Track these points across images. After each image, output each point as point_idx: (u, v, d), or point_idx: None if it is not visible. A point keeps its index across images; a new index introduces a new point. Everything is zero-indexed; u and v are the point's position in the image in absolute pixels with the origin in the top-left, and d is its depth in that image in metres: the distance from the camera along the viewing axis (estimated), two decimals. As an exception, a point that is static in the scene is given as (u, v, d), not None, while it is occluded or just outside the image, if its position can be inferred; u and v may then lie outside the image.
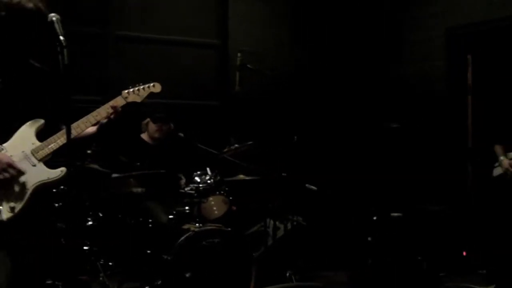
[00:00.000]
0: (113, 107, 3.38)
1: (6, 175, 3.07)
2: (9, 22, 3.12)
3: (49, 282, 4.71)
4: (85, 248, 5.10)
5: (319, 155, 7.07)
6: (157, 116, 5.65)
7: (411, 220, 5.99)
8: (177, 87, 6.57)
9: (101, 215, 5.27)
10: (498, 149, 5.35)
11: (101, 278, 5.00)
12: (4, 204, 3.06)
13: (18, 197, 3.10)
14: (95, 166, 5.16)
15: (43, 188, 3.20)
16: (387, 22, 7.67)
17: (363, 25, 7.72)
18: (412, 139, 7.00)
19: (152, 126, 5.71)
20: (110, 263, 5.19)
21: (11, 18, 3.11)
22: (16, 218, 3.07)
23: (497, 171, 5.34)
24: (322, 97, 7.46)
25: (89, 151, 4.99)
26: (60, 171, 3.23)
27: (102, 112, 3.42)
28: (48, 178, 3.20)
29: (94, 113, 3.40)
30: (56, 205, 4.92)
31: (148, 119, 5.72)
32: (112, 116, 3.39)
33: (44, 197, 3.27)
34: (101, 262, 5.08)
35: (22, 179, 3.14)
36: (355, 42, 7.69)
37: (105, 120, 3.39)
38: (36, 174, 3.18)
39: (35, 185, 3.16)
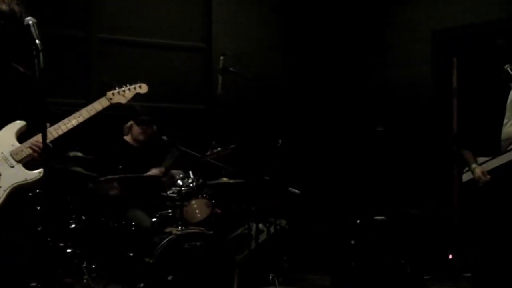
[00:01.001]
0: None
1: None
2: None
3: (33, 284, 4.69)
4: (68, 250, 5.09)
5: (302, 158, 7.07)
6: (141, 119, 5.65)
7: (395, 223, 6.00)
8: (161, 90, 6.57)
9: (84, 218, 5.26)
10: (467, 155, 5.33)
11: (85, 281, 4.99)
12: None
13: None
14: (78, 169, 5.16)
15: (21, 189, 3.20)
16: (372, 25, 7.69)
17: (348, 29, 7.73)
18: (397, 142, 7.02)
19: (136, 129, 5.71)
20: (94, 266, 5.18)
21: None
22: None
23: (466, 177, 5.33)
24: (307, 100, 7.47)
25: (71, 154, 4.98)
26: (38, 173, 3.24)
27: (84, 114, 3.42)
28: (26, 180, 3.21)
29: (76, 115, 3.41)
30: (38, 208, 4.90)
31: (131, 122, 5.72)
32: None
33: (22, 199, 3.27)
34: (84, 265, 5.07)
35: None
36: (340, 45, 7.70)
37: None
38: (14, 175, 3.19)
39: (12, 186, 3.17)
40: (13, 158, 3.21)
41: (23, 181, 3.20)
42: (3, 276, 3.13)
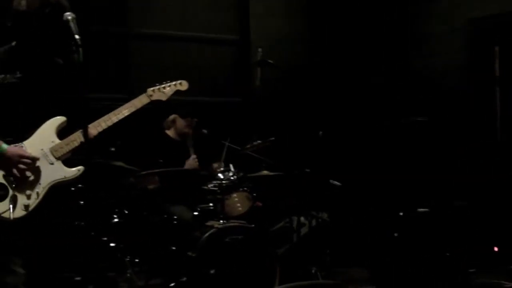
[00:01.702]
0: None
1: (22, 166, 3.06)
2: (32, 17, 3.12)
3: (77, 278, 4.74)
4: (111, 245, 5.12)
5: (342, 150, 7.01)
6: (185, 111, 5.66)
7: (439, 215, 5.89)
8: (198, 84, 6.55)
9: (126, 212, 5.29)
10: None
11: (128, 275, 5.02)
12: (19, 202, 3.05)
13: (32, 196, 3.10)
14: (120, 163, 5.18)
15: (59, 186, 3.19)
16: (408, 14, 7.57)
17: (385, 18, 7.62)
18: (437, 133, 6.89)
19: (181, 122, 5.70)
20: (137, 260, 5.21)
21: (34, 13, 3.11)
22: (28, 216, 3.06)
23: None
24: (344, 91, 7.39)
25: (112, 148, 5.00)
26: (77, 170, 3.21)
27: (124, 111, 3.41)
28: (65, 177, 3.19)
29: (116, 111, 3.39)
30: (82, 202, 4.95)
31: (174, 115, 5.71)
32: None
33: (59, 196, 3.25)
34: (127, 259, 5.10)
35: (38, 177, 3.13)
36: (377, 35, 7.60)
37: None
38: (53, 173, 3.16)
39: (51, 183, 3.15)
40: (53, 155, 3.18)
41: (62, 178, 3.17)
42: (46, 271, 3.15)
